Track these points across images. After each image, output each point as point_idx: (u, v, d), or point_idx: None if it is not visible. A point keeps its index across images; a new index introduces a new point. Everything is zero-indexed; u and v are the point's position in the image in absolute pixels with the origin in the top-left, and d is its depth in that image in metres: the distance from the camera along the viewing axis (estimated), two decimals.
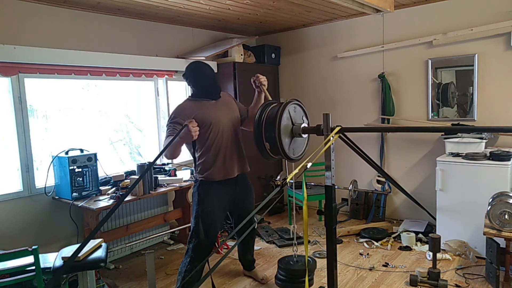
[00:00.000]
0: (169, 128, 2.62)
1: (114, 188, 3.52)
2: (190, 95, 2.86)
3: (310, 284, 2.94)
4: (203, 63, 2.85)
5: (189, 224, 3.90)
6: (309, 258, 2.70)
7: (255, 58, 4.96)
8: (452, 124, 3.96)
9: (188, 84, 2.85)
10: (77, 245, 2.48)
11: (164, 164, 4.18)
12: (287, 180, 1.73)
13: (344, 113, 4.73)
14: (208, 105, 2.74)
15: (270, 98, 2.68)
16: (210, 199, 2.70)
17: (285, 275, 2.89)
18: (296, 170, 1.70)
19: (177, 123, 2.61)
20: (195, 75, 2.76)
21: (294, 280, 2.86)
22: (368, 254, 3.62)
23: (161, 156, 2.77)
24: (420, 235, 3.85)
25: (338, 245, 3.76)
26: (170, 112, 2.76)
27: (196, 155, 2.74)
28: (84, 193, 3.32)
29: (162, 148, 4.29)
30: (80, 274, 2.46)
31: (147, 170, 1.99)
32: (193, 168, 2.82)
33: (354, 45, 4.60)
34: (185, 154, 3.75)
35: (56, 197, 3.39)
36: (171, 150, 2.51)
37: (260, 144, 2.15)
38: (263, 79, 2.81)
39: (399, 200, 4.50)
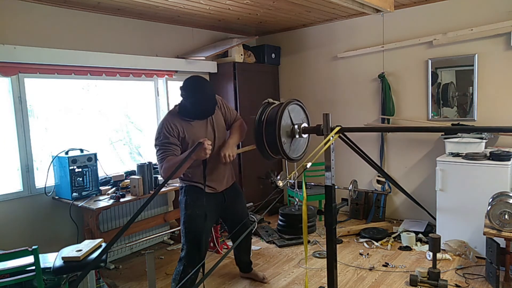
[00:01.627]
0: (163, 150, 2.47)
1: (114, 188, 3.52)
2: (179, 107, 2.66)
3: (313, 230, 2.90)
4: (204, 81, 2.63)
5: None
6: (310, 207, 2.62)
7: (255, 58, 4.96)
8: (452, 124, 3.96)
9: (183, 99, 2.62)
10: (77, 245, 2.48)
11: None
12: (287, 179, 1.72)
13: (344, 113, 4.73)
14: (197, 125, 2.62)
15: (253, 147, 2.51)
16: (198, 203, 2.63)
17: (285, 220, 2.85)
18: (296, 170, 1.70)
19: (169, 143, 2.48)
20: (194, 96, 2.54)
21: (294, 226, 2.82)
22: (368, 254, 3.62)
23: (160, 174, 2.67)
24: (420, 235, 3.85)
25: (338, 245, 3.76)
26: (158, 128, 2.57)
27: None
28: (84, 193, 3.32)
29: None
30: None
31: (161, 188, 1.93)
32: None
33: (354, 45, 4.60)
34: None
35: (56, 197, 3.39)
36: (180, 168, 2.35)
37: (260, 144, 2.15)
38: (227, 157, 2.61)
39: (399, 200, 4.50)
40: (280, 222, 2.89)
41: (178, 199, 4.10)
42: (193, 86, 2.56)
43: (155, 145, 2.53)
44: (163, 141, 2.50)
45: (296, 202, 2.93)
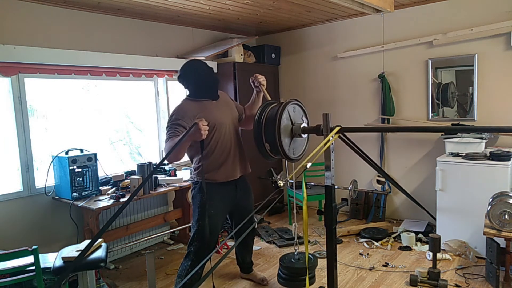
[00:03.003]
0: (170, 130, 2.51)
1: (114, 188, 3.52)
2: (188, 95, 2.75)
3: (312, 281, 2.94)
4: (197, 60, 2.75)
5: (189, 224, 3.90)
6: (310, 256, 2.69)
7: (255, 58, 4.96)
8: (452, 124, 3.96)
9: (185, 87, 2.73)
10: (77, 245, 2.48)
11: (164, 164, 4.18)
12: (287, 179, 1.72)
13: (344, 113, 4.73)
14: (209, 106, 2.66)
15: (270, 98, 2.64)
16: (213, 202, 2.65)
17: (287, 273, 2.88)
18: (296, 170, 1.70)
19: (178, 125, 2.51)
20: (192, 73, 2.65)
21: (296, 278, 2.84)
22: (368, 254, 3.62)
23: (162, 156, 2.72)
24: (420, 235, 3.85)
25: (338, 245, 3.76)
26: (170, 113, 2.66)
27: (197, 157, 2.66)
28: (84, 193, 3.32)
29: (162, 148, 4.30)
30: (80, 274, 2.46)
31: (156, 169, 1.95)
32: (192, 168, 2.78)
33: (354, 45, 4.60)
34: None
35: (56, 197, 3.39)
36: (177, 150, 2.38)
37: (260, 144, 2.15)
38: (262, 78, 2.76)
39: (399, 200, 4.50)
40: (281, 274, 2.94)
41: (178, 199, 4.14)
42: (186, 66, 2.68)
43: (166, 127, 2.59)
44: (173, 122, 2.55)
45: (296, 252, 2.97)
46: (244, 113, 2.91)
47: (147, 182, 3.48)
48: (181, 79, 2.70)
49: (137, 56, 3.91)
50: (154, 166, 3.91)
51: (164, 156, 2.46)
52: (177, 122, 2.53)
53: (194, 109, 2.60)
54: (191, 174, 2.80)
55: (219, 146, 2.64)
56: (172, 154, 2.32)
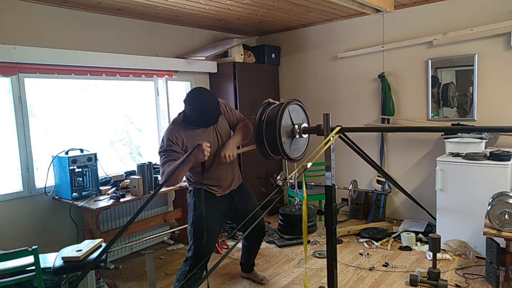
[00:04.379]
0: (165, 155, 2.50)
1: (114, 188, 3.52)
2: (183, 115, 2.69)
3: (313, 230, 2.90)
4: (207, 92, 2.66)
5: None
6: (311, 206, 2.64)
7: (255, 58, 4.96)
8: (452, 124, 3.96)
9: (186, 110, 2.63)
10: (77, 245, 2.48)
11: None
12: (288, 178, 1.72)
13: (344, 113, 4.73)
14: (201, 133, 2.64)
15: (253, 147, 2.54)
16: (206, 204, 2.65)
17: (286, 220, 2.85)
18: (296, 170, 1.69)
19: (172, 150, 2.51)
20: (196, 107, 2.56)
21: (294, 226, 2.82)
22: (368, 254, 3.62)
23: (160, 179, 2.67)
24: (420, 235, 3.85)
25: (338, 245, 3.75)
26: (162, 137, 2.62)
27: (190, 173, 2.72)
28: (84, 193, 3.32)
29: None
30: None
31: (155, 193, 1.94)
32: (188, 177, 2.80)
33: (354, 45, 4.60)
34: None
35: (56, 197, 3.39)
36: (177, 173, 2.37)
37: (260, 144, 2.15)
38: (227, 157, 2.62)
39: (399, 200, 4.50)
40: (281, 222, 2.89)
41: (178, 199, 4.14)
42: (196, 99, 2.58)
43: (159, 153, 2.57)
44: (166, 148, 2.54)
45: (296, 202, 2.93)
46: (234, 128, 2.87)
47: (147, 182, 3.47)
48: (186, 104, 2.61)
49: (137, 56, 3.91)
50: (157, 167, 3.90)
51: (163, 179, 2.45)
52: (170, 148, 2.54)
53: (185, 136, 2.60)
54: (187, 181, 2.82)
55: (210, 169, 2.67)
56: (172, 177, 2.36)
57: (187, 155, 2.35)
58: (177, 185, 3.66)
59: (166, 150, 2.53)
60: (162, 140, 2.61)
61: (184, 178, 3.74)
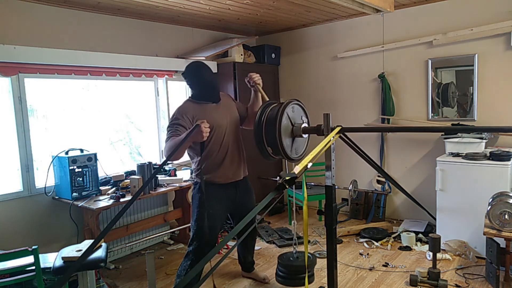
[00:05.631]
0: (171, 130, 2.56)
1: (114, 188, 3.52)
2: (190, 95, 2.82)
3: (311, 280, 2.93)
4: (202, 64, 2.78)
5: (189, 224, 3.90)
6: (309, 255, 2.69)
7: (255, 58, 4.96)
8: (452, 124, 3.96)
9: (187, 84, 2.83)
10: (77, 245, 2.48)
11: (164, 164, 4.18)
12: (298, 172, 1.67)
13: (344, 113, 4.73)
14: (209, 108, 2.70)
15: (267, 98, 2.65)
16: (211, 202, 2.67)
17: (285, 271, 2.87)
18: (304, 165, 1.67)
19: (179, 124, 2.56)
20: (195, 77, 2.71)
21: (294, 277, 2.83)
22: (368, 254, 3.62)
23: (163, 155, 2.73)
24: (420, 235, 3.85)
25: (338, 245, 3.75)
26: (171, 113, 2.71)
27: (196, 158, 2.70)
28: (84, 193, 3.32)
29: (162, 148, 4.30)
30: (80, 274, 2.45)
31: (159, 169, 2.02)
32: (192, 169, 2.80)
33: (354, 45, 4.60)
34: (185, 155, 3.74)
35: (56, 197, 3.39)
36: (177, 151, 2.40)
37: (261, 144, 2.15)
38: (257, 77, 2.74)
39: (399, 200, 4.50)
40: (280, 273, 2.93)
41: (178, 199, 4.14)
42: (191, 69, 2.74)
43: (167, 127, 2.63)
44: (173, 122, 2.59)
45: (294, 251, 2.96)
46: (247, 113, 2.92)
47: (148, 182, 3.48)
48: (184, 76, 2.76)
49: (137, 56, 3.91)
50: (156, 167, 3.91)
51: (165, 155, 2.51)
52: (177, 122, 2.58)
53: (194, 111, 2.65)
54: (191, 174, 2.82)
55: (218, 148, 2.67)
56: (173, 155, 2.38)
57: (186, 135, 2.36)
58: (178, 185, 3.67)
59: (173, 124, 2.58)
60: (173, 114, 2.66)
61: (185, 178, 3.79)
